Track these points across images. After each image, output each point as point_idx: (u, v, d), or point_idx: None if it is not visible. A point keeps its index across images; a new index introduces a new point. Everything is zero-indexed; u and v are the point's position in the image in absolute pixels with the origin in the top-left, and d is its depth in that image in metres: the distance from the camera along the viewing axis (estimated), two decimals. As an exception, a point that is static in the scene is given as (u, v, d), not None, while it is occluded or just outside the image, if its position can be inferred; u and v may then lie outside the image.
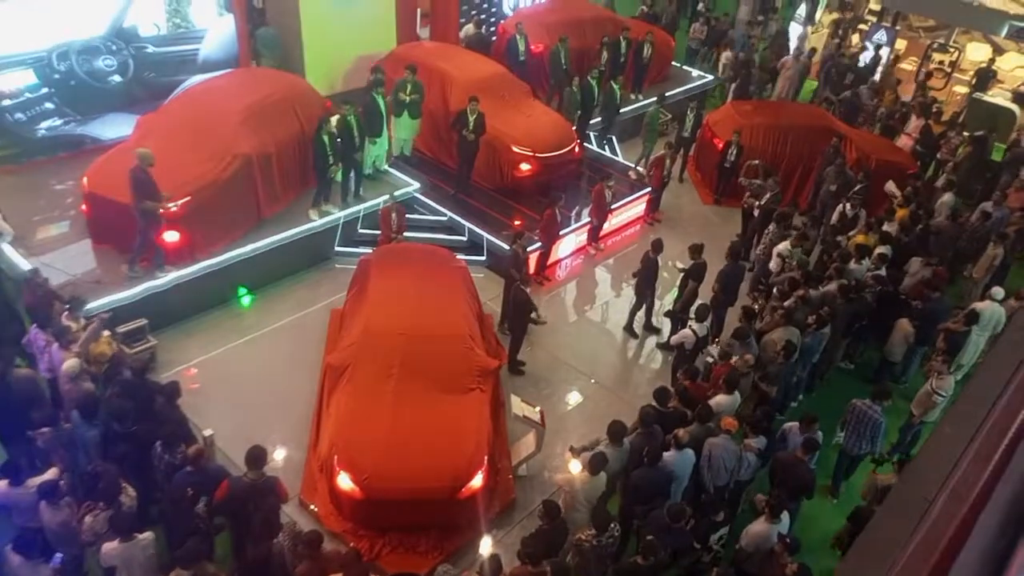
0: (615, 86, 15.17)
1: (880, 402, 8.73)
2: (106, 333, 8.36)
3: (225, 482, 6.75)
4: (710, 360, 9.54)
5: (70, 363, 7.58)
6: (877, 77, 19.51)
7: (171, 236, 10.13)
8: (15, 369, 7.82)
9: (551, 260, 12.40)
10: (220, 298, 10.84)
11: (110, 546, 6.22)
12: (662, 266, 11.11)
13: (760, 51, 19.91)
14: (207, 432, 7.82)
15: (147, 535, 6.38)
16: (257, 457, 6.79)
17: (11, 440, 7.61)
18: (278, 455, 8.69)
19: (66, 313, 8.34)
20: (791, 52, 19.60)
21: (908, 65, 21.16)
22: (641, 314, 11.52)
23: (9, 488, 6.66)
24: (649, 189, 14.00)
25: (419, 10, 17.25)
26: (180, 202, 9.99)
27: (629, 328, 11.54)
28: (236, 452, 7.59)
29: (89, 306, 9.20)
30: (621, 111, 15.79)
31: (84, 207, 10.48)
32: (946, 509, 2.30)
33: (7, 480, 6.70)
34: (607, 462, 7.32)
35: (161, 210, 9.55)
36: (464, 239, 12.50)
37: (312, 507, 8.03)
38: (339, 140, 11.22)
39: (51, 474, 6.70)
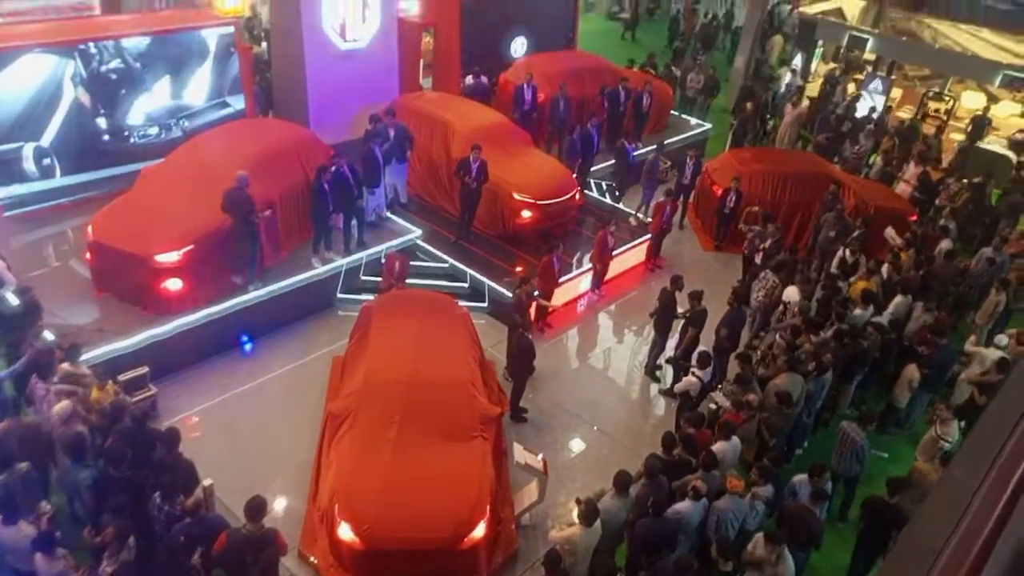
0: (625, 143, 15.46)
1: (864, 426, 9.04)
2: (110, 383, 8.39)
3: (223, 534, 6.65)
4: (713, 407, 9.47)
5: (61, 405, 7.55)
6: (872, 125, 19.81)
7: (174, 284, 10.19)
8: (22, 418, 7.79)
9: (551, 307, 12.41)
10: (222, 346, 10.82)
11: None
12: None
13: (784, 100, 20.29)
14: (207, 482, 7.72)
15: None
16: (256, 508, 6.71)
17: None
18: (278, 505, 8.58)
19: (67, 364, 8.34)
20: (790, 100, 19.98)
21: (904, 114, 21.47)
22: (645, 356, 11.50)
23: (2, 527, 6.56)
24: (649, 235, 14.09)
25: (422, 61, 17.61)
26: (183, 251, 10.08)
27: (651, 372, 11.51)
28: (236, 502, 7.49)
29: (92, 354, 9.21)
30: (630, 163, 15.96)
31: (88, 255, 10.55)
32: (954, 558, 2.27)
33: (1, 517, 6.60)
34: (599, 513, 7.23)
35: (260, 221, 10.53)
36: (466, 286, 12.53)
37: (312, 559, 7.89)
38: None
39: (42, 516, 6.60)
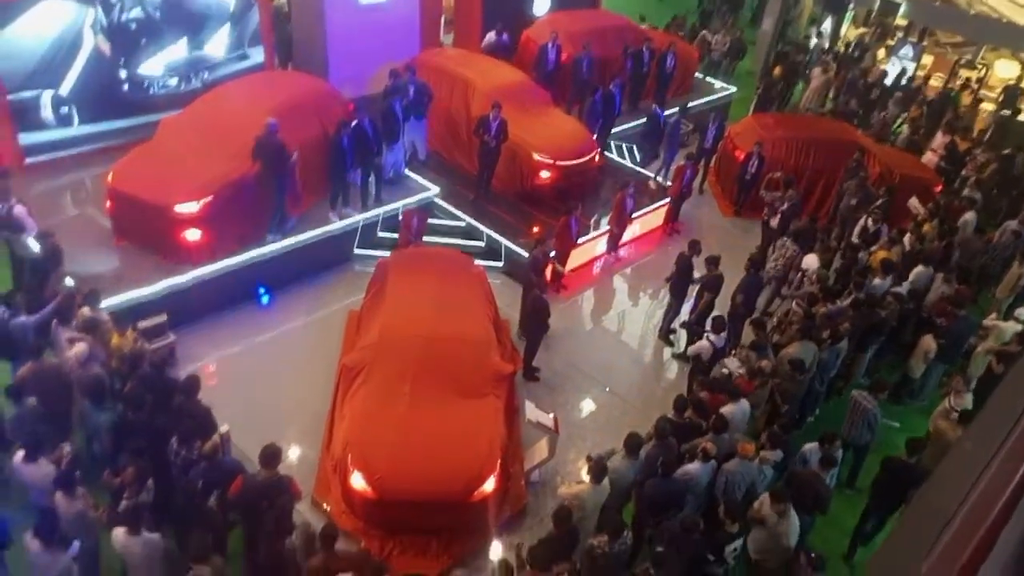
0: (656, 108, 15.21)
1: (876, 394, 9.03)
2: (130, 329, 8.51)
3: (239, 479, 6.79)
4: (726, 371, 9.47)
5: (78, 348, 7.67)
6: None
7: (193, 234, 10.25)
8: (44, 360, 7.92)
9: (567, 268, 12.37)
10: (240, 297, 10.92)
11: (119, 531, 6.28)
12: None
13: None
14: (223, 428, 7.84)
15: (154, 537, 6.36)
16: (271, 455, 6.82)
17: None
18: (292, 453, 8.73)
19: (86, 308, 8.45)
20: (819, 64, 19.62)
21: (935, 81, 20.99)
22: (659, 320, 11.52)
23: (24, 463, 6.73)
24: (668, 199, 13.97)
25: (443, 17, 17.38)
26: (203, 201, 10.12)
27: (665, 335, 11.52)
28: (252, 449, 7.62)
29: (111, 302, 9.33)
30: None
31: (108, 203, 10.62)
32: (967, 523, 2.28)
33: (23, 453, 6.76)
34: (607, 470, 7.31)
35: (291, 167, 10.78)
36: (482, 244, 12.52)
37: (325, 506, 8.06)
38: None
39: (63, 458, 6.75)
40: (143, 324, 9.36)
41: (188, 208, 10.09)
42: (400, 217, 12.11)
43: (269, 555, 6.42)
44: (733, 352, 9.82)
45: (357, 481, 7.62)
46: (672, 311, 11.39)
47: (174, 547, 6.78)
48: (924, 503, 2.76)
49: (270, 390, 9.55)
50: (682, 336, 11.34)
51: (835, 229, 13.64)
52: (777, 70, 19.10)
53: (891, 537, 2.46)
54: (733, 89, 18.93)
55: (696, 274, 10.92)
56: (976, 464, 2.63)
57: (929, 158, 16.22)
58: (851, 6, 22.34)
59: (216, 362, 10.02)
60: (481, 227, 12.63)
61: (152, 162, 10.60)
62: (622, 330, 12.05)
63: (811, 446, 8.30)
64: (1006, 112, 18.69)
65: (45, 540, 6.02)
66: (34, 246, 9.36)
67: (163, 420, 7.39)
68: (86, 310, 8.43)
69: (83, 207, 11.63)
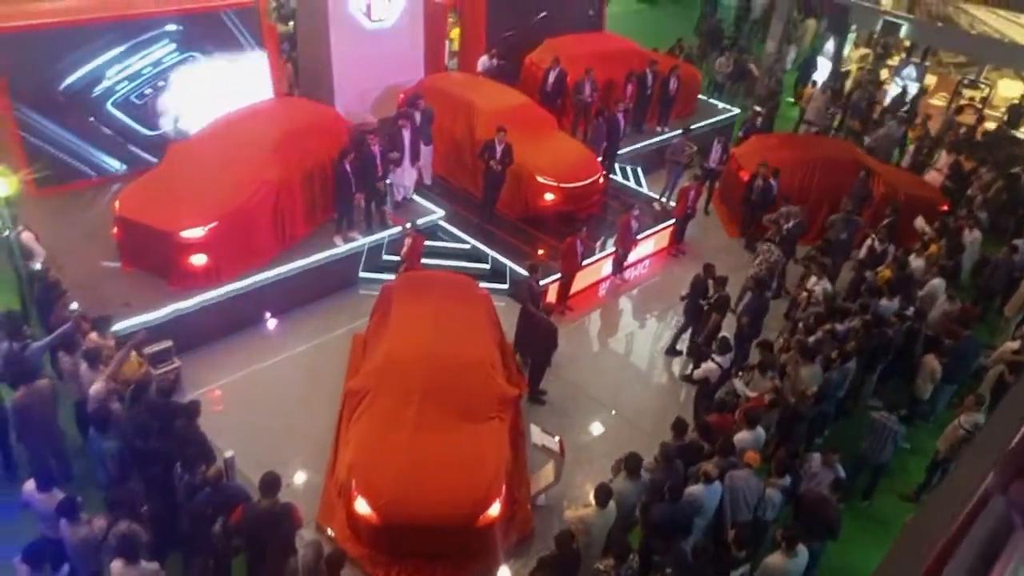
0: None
1: (894, 412, 9.27)
2: (134, 354, 8.51)
3: (240, 507, 6.76)
4: (731, 393, 9.41)
5: (96, 387, 7.68)
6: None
7: (199, 260, 10.31)
8: (38, 381, 7.94)
9: (573, 290, 12.37)
10: (245, 322, 10.95)
11: (117, 563, 6.22)
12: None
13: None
14: (228, 454, 7.85)
15: (152, 567, 6.30)
16: (271, 483, 6.78)
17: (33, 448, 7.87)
18: (297, 478, 8.71)
19: (94, 334, 8.48)
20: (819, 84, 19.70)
21: (938, 100, 21.03)
22: (666, 342, 11.49)
23: (35, 492, 6.75)
24: (673, 220, 13.98)
25: (448, 41, 17.53)
26: (208, 227, 10.19)
27: (672, 350, 11.54)
28: (256, 474, 7.60)
29: (118, 327, 9.35)
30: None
31: (115, 230, 10.69)
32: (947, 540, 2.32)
33: (35, 482, 6.79)
34: (612, 494, 7.26)
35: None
36: (487, 267, 12.54)
37: (329, 531, 8.01)
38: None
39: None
40: (149, 349, 9.39)
41: (194, 234, 10.17)
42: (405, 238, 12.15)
43: (272, 580, 6.38)
44: (740, 373, 9.78)
45: (362, 506, 7.58)
46: (682, 329, 11.37)
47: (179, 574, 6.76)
48: (925, 517, 2.78)
49: (275, 415, 9.54)
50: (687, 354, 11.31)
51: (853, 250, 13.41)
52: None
53: (892, 549, 2.46)
54: (736, 111, 19.00)
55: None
56: (970, 484, 2.65)
57: (934, 177, 16.20)
58: (853, 27, 22.43)
59: (221, 387, 10.03)
60: (486, 249, 12.66)
61: (158, 189, 10.70)
62: (628, 352, 12.01)
63: (815, 457, 8.23)
64: (1012, 131, 18.72)
65: (32, 564, 5.99)
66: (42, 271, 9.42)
67: (167, 445, 7.38)
68: (94, 336, 8.46)
69: (94, 234, 11.66)
